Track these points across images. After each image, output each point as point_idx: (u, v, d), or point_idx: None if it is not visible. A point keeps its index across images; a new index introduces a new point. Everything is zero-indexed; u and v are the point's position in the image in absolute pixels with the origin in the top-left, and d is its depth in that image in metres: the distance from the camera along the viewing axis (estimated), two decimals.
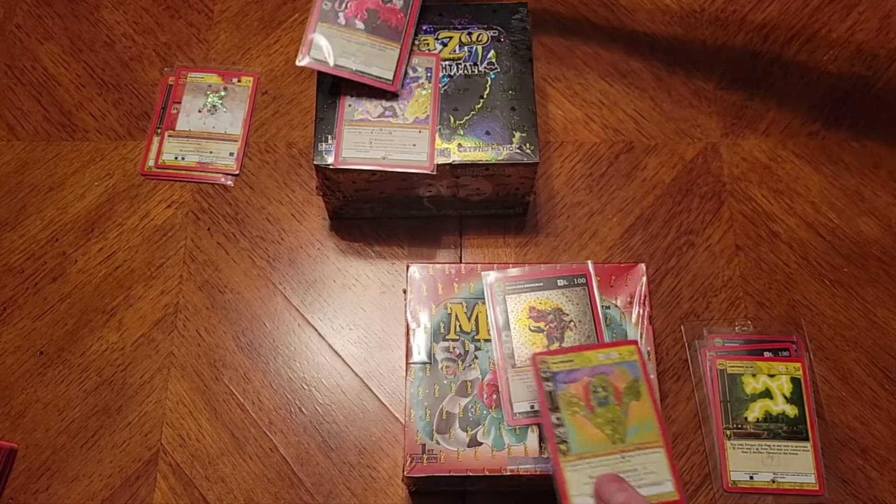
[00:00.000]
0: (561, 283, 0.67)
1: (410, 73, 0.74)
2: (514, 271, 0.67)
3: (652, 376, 0.63)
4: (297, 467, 0.72)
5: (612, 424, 0.57)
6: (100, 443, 0.73)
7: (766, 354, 0.74)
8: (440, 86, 0.74)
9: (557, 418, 0.58)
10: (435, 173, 0.72)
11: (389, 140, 0.72)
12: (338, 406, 0.74)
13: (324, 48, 0.72)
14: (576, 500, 0.55)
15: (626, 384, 0.59)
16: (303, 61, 0.72)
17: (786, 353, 0.74)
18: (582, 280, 0.67)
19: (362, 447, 0.73)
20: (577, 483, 0.55)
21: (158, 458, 0.72)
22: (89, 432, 0.73)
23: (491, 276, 0.67)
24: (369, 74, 0.73)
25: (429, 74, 0.74)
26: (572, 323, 0.65)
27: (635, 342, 0.61)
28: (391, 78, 0.73)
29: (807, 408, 0.71)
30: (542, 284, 0.67)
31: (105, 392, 0.75)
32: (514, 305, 0.66)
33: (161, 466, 0.72)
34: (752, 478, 0.69)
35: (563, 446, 0.57)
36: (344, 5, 0.74)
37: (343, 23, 0.74)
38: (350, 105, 0.73)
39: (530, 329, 0.65)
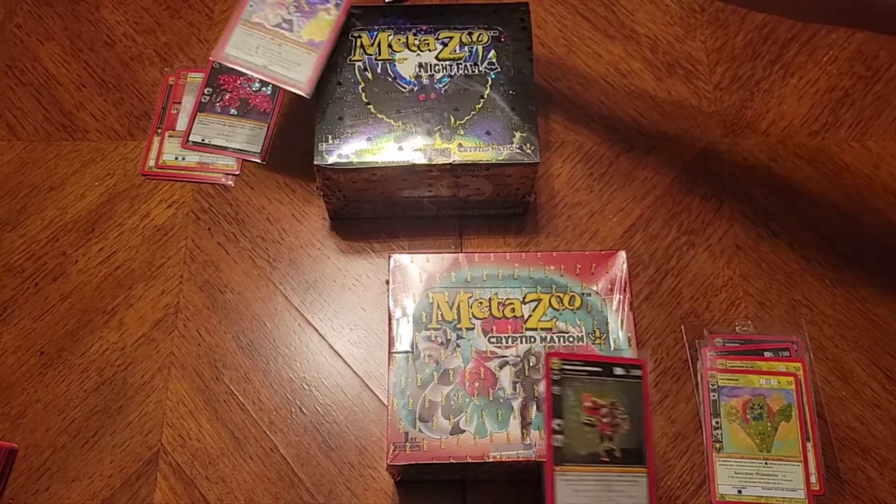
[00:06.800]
0: (618, 372, 0.60)
1: None
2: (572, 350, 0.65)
3: (634, 355, 0.66)
4: (297, 467, 0.72)
5: (761, 436, 0.70)
6: (100, 443, 0.73)
7: (767, 354, 0.74)
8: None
9: (716, 422, 0.70)
10: (309, 97, 0.73)
11: (277, 52, 0.73)
12: (338, 406, 0.74)
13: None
14: (721, 488, 0.69)
15: (779, 407, 0.71)
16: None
17: (786, 353, 0.74)
18: (637, 372, 0.60)
19: (362, 447, 0.73)
20: (724, 475, 0.69)
21: (159, 458, 0.72)
22: (89, 432, 0.73)
23: (556, 360, 0.59)
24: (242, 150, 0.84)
25: (339, 2, 0.73)
26: (624, 420, 0.59)
27: (795, 375, 0.71)
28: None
29: (807, 408, 0.71)
30: (600, 370, 0.59)
31: (105, 392, 0.75)
32: (570, 391, 0.58)
33: (161, 466, 0.72)
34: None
35: (717, 444, 0.70)
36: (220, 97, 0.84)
37: (219, 110, 0.82)
38: (252, 6, 0.74)
39: (583, 422, 0.58)
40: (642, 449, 0.59)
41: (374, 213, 0.80)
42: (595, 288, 0.68)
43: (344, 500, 0.71)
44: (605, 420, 0.59)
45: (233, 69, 0.74)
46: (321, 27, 0.72)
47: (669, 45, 0.89)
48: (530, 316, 0.67)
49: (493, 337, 0.67)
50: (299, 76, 0.71)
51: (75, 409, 0.74)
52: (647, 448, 0.59)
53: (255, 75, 0.74)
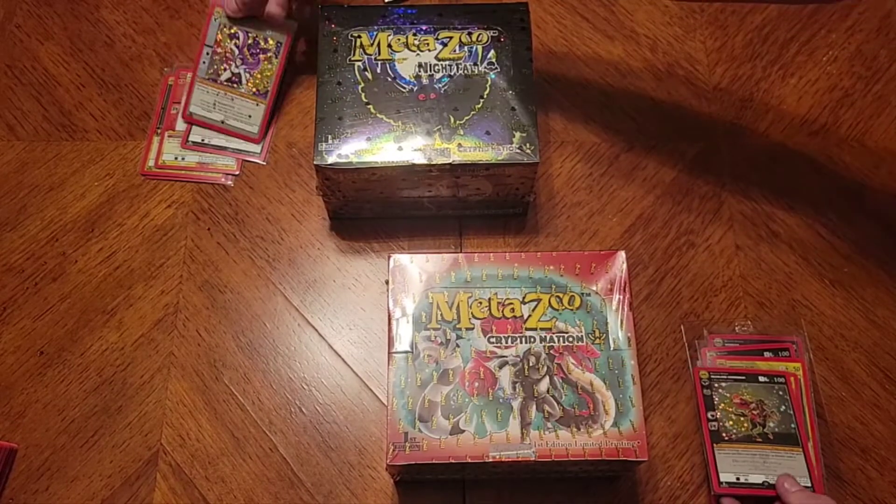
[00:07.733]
0: (762, 379, 0.71)
1: (262, 43, 0.80)
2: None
3: (633, 362, 0.65)
4: (297, 467, 0.72)
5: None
6: (100, 443, 0.73)
7: (766, 354, 0.74)
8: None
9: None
10: (259, 144, 0.81)
11: (230, 106, 0.80)
12: (338, 406, 0.74)
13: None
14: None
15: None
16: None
17: (786, 353, 0.74)
18: (780, 379, 0.72)
19: (362, 447, 0.73)
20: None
21: (158, 458, 0.72)
22: (89, 432, 0.73)
23: (704, 372, 0.72)
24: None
25: (278, 48, 0.76)
26: (773, 413, 0.70)
27: (795, 375, 0.72)
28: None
29: (806, 408, 0.71)
30: (744, 378, 0.72)
31: (105, 392, 0.75)
32: (724, 392, 0.71)
33: (161, 466, 0.72)
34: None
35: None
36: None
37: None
38: (204, 63, 0.80)
39: (734, 413, 0.70)
40: (795, 434, 0.69)
41: (374, 213, 0.80)
42: (595, 288, 0.68)
43: (343, 499, 0.71)
44: (755, 412, 0.70)
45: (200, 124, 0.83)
46: (265, 76, 0.79)
47: (669, 46, 0.89)
48: (530, 316, 0.67)
49: (493, 337, 0.67)
50: (251, 128, 0.81)
51: (75, 409, 0.74)
52: (801, 434, 0.69)
53: (217, 132, 0.82)
